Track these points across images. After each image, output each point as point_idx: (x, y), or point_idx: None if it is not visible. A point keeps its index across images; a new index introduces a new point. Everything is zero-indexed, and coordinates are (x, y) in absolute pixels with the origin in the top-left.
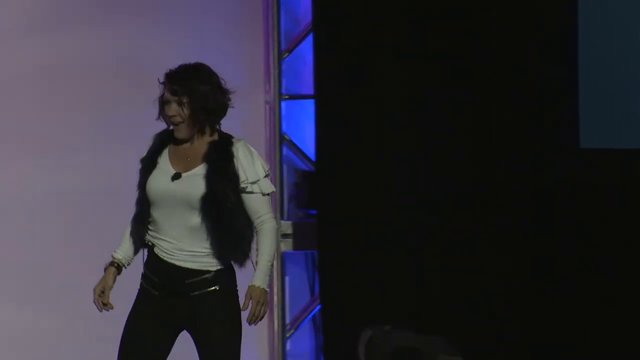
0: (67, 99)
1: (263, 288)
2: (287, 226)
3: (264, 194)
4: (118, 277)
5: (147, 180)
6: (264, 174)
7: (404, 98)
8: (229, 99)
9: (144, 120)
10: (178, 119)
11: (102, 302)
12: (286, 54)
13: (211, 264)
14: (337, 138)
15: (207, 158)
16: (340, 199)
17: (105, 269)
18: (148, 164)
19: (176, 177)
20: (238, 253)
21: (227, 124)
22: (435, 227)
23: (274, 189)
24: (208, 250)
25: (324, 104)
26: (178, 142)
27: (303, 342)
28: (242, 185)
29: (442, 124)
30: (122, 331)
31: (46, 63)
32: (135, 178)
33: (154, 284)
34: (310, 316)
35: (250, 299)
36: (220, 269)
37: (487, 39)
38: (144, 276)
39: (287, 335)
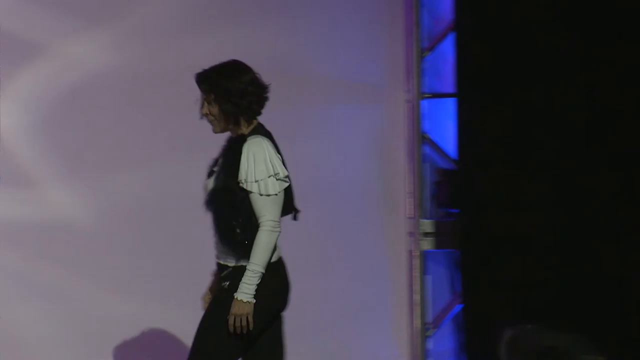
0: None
1: (240, 300)
2: (428, 225)
3: (262, 195)
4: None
5: None
6: (268, 175)
7: (545, 97)
8: (263, 93)
9: (295, 117)
10: (210, 117)
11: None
12: (427, 52)
13: (230, 260)
14: (477, 136)
15: (222, 155)
16: (480, 198)
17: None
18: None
19: (209, 176)
20: (240, 250)
21: (368, 122)
22: (576, 225)
23: (277, 192)
24: (226, 246)
25: (464, 102)
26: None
27: (444, 341)
28: (242, 183)
29: (584, 122)
30: None
31: (192, 62)
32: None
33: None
34: (451, 315)
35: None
36: (237, 265)
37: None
38: None
39: (428, 333)
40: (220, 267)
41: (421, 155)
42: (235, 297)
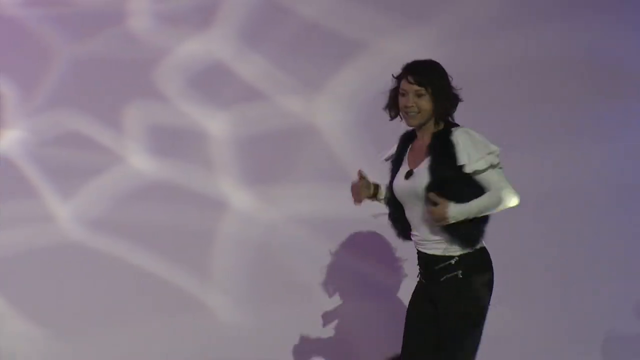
0: (522, 96)
1: (451, 215)
2: None
3: (494, 166)
4: None
5: (392, 181)
6: (489, 152)
7: None
8: (459, 95)
9: (612, 114)
10: (415, 109)
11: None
12: None
13: (454, 250)
14: None
15: (430, 150)
16: None
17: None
18: (395, 165)
19: (408, 175)
20: (469, 237)
21: None
22: None
23: (501, 166)
24: (446, 237)
25: None
26: (415, 140)
27: None
28: (467, 169)
29: None
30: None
31: (507, 61)
32: None
33: (420, 274)
34: None
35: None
36: (463, 253)
37: None
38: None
39: None
40: (436, 259)
41: None
42: (448, 207)
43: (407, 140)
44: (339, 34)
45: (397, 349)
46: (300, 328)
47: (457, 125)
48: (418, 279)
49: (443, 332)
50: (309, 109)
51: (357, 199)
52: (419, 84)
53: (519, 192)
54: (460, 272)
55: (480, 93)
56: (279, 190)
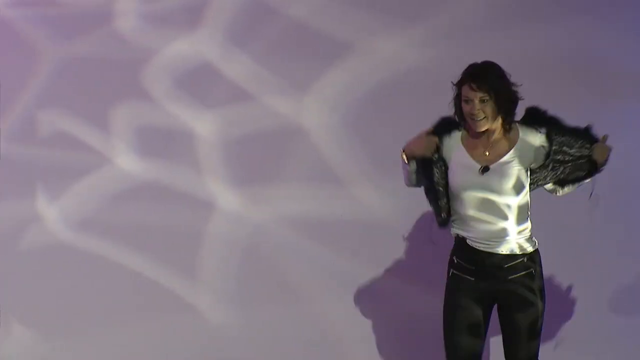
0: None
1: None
2: None
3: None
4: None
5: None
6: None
7: None
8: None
9: (609, 114)
10: (481, 115)
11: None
12: None
13: (526, 248)
14: None
15: (511, 147)
16: None
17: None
18: (439, 160)
19: (484, 170)
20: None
21: None
22: None
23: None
24: (521, 235)
25: None
26: (472, 134)
27: None
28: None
29: None
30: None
31: (497, 60)
32: None
33: (468, 272)
34: None
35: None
36: (535, 250)
37: None
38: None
39: None
40: (504, 258)
41: None
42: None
43: (448, 132)
44: (326, 34)
45: (388, 349)
46: (289, 329)
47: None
48: (452, 276)
49: (521, 329)
50: (297, 109)
51: (419, 147)
52: (483, 91)
53: None
54: (532, 270)
55: None
56: (267, 190)
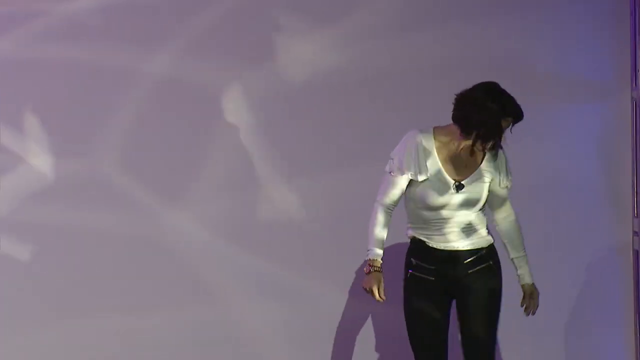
0: (429, 97)
1: (532, 283)
2: None
3: (508, 190)
4: None
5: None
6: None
7: None
8: None
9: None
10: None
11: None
12: None
13: (481, 243)
14: None
15: (483, 163)
16: None
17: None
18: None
19: (459, 188)
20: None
21: (594, 119)
22: None
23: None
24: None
25: None
26: (447, 148)
27: None
28: (504, 184)
29: None
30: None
31: (414, 61)
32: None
33: (429, 272)
34: None
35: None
36: (490, 245)
37: None
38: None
39: None
40: (466, 253)
41: None
42: (530, 283)
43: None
44: (245, 35)
45: (306, 350)
46: (206, 330)
47: None
48: (411, 277)
49: (478, 317)
50: (213, 110)
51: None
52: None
53: None
54: (490, 262)
55: (391, 94)
56: (182, 192)
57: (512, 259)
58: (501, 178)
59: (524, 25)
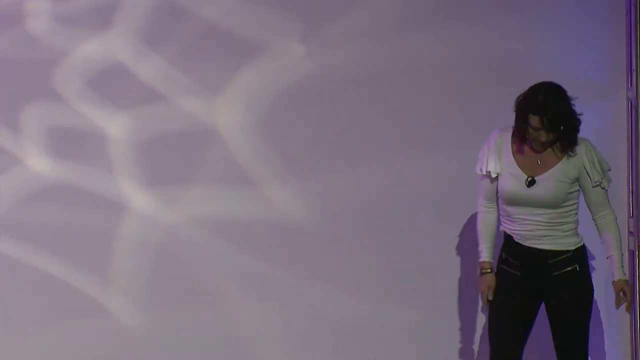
0: (429, 97)
1: (624, 279)
2: None
3: (603, 188)
4: None
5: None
6: (607, 170)
7: None
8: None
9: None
10: (543, 140)
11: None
12: None
13: (568, 244)
14: None
15: (558, 162)
16: None
17: (483, 274)
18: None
19: (531, 183)
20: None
21: (589, 120)
22: None
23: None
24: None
25: None
26: (522, 142)
27: None
28: (592, 184)
29: None
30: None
31: (410, 62)
32: None
33: (516, 267)
34: None
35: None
36: (578, 247)
37: None
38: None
39: None
40: (551, 253)
41: None
42: (617, 280)
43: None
44: (239, 35)
45: (302, 351)
46: (202, 330)
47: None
48: (499, 271)
49: (562, 326)
50: (210, 110)
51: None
52: (547, 124)
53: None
54: (577, 265)
55: (390, 94)
56: (180, 192)
57: (606, 258)
58: (591, 176)
59: (523, 26)
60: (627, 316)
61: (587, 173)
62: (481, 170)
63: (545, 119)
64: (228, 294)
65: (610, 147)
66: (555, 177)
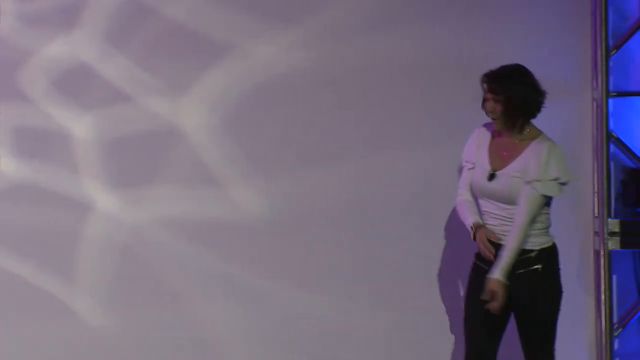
0: (393, 98)
1: (497, 279)
2: (614, 224)
3: (535, 189)
4: None
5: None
6: (553, 178)
7: None
8: (543, 100)
9: (484, 116)
10: (493, 115)
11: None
12: (614, 51)
13: (532, 244)
14: None
15: (518, 156)
16: None
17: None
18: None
19: (491, 177)
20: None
21: (555, 120)
22: None
23: (556, 194)
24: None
25: None
26: (498, 135)
27: (631, 342)
28: (527, 178)
29: None
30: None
31: (378, 61)
32: None
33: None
34: (637, 315)
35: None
36: (542, 247)
37: None
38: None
39: (615, 334)
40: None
41: (608, 154)
42: (496, 278)
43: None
44: (204, 35)
45: (267, 351)
46: (167, 330)
47: (541, 133)
48: (473, 267)
49: (527, 323)
50: (175, 110)
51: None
52: (493, 91)
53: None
54: (540, 265)
55: (356, 94)
56: (145, 192)
57: None
58: (530, 170)
59: (491, 26)
60: (593, 317)
61: (530, 165)
62: (462, 160)
63: (487, 84)
64: (193, 294)
65: (575, 147)
66: (510, 172)
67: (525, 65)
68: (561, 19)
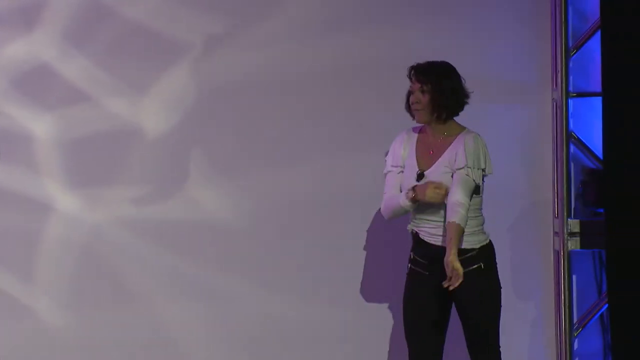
0: (354, 98)
1: (452, 259)
2: (574, 224)
3: (468, 176)
4: None
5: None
6: (481, 167)
7: None
8: (467, 98)
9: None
10: (418, 106)
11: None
12: (574, 51)
13: (472, 242)
14: (625, 136)
15: (444, 153)
16: (628, 197)
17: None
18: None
19: (420, 177)
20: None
21: (515, 120)
22: None
23: (478, 183)
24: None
25: (611, 101)
26: (423, 135)
27: (591, 342)
28: (456, 167)
29: None
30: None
31: (341, 61)
32: None
33: (423, 266)
34: (597, 315)
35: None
36: (482, 245)
37: None
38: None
39: (575, 334)
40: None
41: (568, 155)
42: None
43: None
44: (164, 35)
45: (228, 351)
46: (127, 331)
47: (465, 128)
48: (410, 272)
49: (472, 322)
50: (135, 111)
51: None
52: (420, 81)
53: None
54: (481, 263)
55: (313, 95)
56: (105, 192)
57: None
58: (458, 159)
59: (448, 26)
60: (553, 318)
61: (458, 155)
62: (386, 167)
63: (416, 74)
64: (154, 294)
65: (535, 147)
66: (440, 169)
67: (486, 66)
68: (521, 20)
